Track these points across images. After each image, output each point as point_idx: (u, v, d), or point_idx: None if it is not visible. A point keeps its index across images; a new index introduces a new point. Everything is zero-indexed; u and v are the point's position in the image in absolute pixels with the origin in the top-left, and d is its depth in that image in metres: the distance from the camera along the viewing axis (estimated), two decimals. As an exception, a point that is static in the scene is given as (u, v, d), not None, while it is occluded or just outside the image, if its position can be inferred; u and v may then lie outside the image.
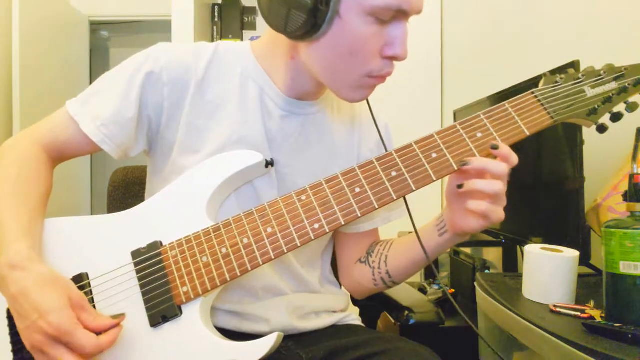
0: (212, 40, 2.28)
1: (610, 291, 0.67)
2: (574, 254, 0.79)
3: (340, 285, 0.92)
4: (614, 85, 0.69)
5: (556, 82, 0.70)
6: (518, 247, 1.32)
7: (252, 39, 0.82)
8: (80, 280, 0.66)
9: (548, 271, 0.79)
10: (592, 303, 0.76)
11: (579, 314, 0.71)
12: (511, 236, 1.26)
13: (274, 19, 0.65)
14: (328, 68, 0.68)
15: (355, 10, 0.62)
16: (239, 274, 0.65)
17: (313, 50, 0.67)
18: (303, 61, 0.71)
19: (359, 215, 0.65)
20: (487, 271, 1.34)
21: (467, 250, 1.54)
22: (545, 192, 1.10)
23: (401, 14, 0.63)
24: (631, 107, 0.69)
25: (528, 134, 0.67)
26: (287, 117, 0.76)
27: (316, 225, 0.65)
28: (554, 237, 1.02)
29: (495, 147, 0.64)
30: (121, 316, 0.62)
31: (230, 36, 2.34)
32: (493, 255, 1.69)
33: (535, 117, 0.67)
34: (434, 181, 0.66)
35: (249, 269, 0.65)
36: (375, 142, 0.84)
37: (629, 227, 0.64)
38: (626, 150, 0.97)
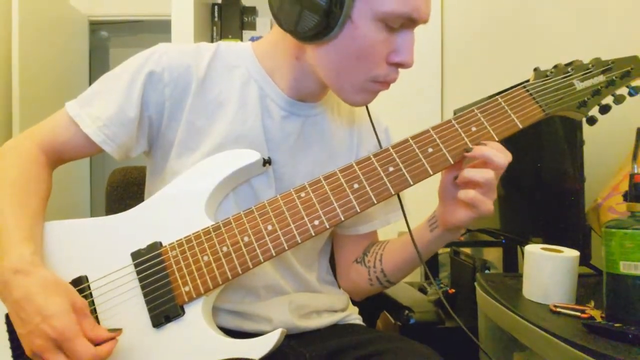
0: (212, 40, 2.28)
1: (610, 291, 0.66)
2: (574, 254, 0.79)
3: (339, 286, 0.92)
4: (602, 78, 0.71)
5: (546, 75, 0.72)
6: (518, 247, 1.32)
7: (252, 39, 0.82)
8: (80, 283, 0.66)
9: (548, 271, 0.79)
10: (592, 303, 0.76)
11: (579, 314, 0.71)
12: (511, 236, 1.26)
13: (285, 18, 0.65)
14: (335, 70, 0.68)
15: (367, 16, 0.62)
16: (240, 272, 0.65)
17: (321, 52, 0.67)
18: (309, 62, 0.71)
19: (359, 210, 0.66)
20: (487, 271, 1.34)
21: (467, 250, 1.54)
22: (545, 192, 1.10)
23: (410, 22, 0.65)
24: (618, 99, 0.71)
25: (521, 126, 0.68)
26: (287, 117, 0.76)
27: (316, 222, 0.65)
28: (554, 237, 1.02)
29: (468, 150, 0.65)
30: (118, 331, 0.62)
31: (230, 36, 2.34)
32: (493, 255, 1.69)
33: (527, 110, 0.69)
34: (431, 175, 0.67)
35: (251, 266, 0.65)
36: (374, 145, 0.84)
37: (629, 227, 0.64)
38: (626, 150, 0.97)
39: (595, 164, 1.04)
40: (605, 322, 0.66)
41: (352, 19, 0.63)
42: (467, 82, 1.94)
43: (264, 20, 2.35)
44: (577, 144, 0.94)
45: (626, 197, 0.68)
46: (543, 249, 0.81)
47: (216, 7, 2.32)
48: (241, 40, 2.32)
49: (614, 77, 0.70)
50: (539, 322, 0.69)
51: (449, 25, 1.99)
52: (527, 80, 0.72)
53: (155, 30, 2.93)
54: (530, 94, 0.69)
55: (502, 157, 0.64)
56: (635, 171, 0.68)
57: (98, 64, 3.42)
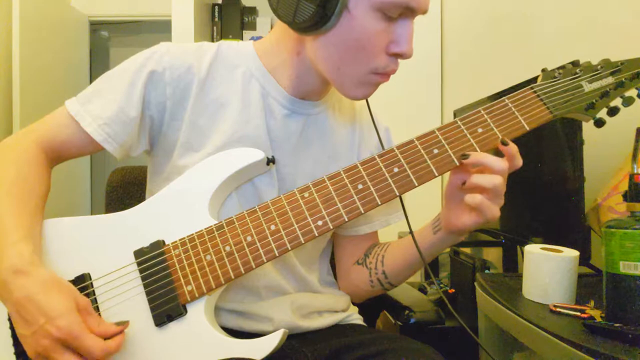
0: (212, 40, 2.28)
1: (610, 291, 0.67)
2: (574, 254, 0.79)
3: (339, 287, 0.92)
4: (610, 79, 0.70)
5: (554, 77, 0.71)
6: (518, 247, 1.32)
7: (252, 39, 0.82)
8: (83, 281, 0.66)
9: (548, 271, 0.79)
10: (592, 303, 0.76)
11: (579, 314, 0.72)
12: (511, 236, 1.26)
13: (283, 10, 0.65)
14: (334, 63, 0.68)
15: (364, 5, 0.62)
16: (243, 272, 0.65)
17: (319, 44, 0.67)
18: (309, 56, 0.71)
19: (362, 211, 0.65)
20: (487, 271, 1.34)
21: (467, 250, 1.55)
22: (545, 192, 1.10)
23: (408, 12, 0.64)
24: (627, 101, 0.70)
25: (528, 128, 0.67)
26: (289, 116, 0.76)
27: (320, 222, 0.65)
28: (554, 237, 1.02)
29: (505, 143, 0.65)
30: (125, 323, 0.62)
31: (230, 36, 2.34)
32: (493, 255, 1.69)
33: (534, 112, 0.68)
34: (436, 176, 0.67)
35: (253, 266, 0.65)
36: (375, 144, 0.85)
37: (629, 227, 0.65)
38: (626, 150, 0.97)
39: (595, 164, 1.04)
40: (605, 322, 0.66)
41: (349, 9, 0.62)
42: (467, 82, 1.95)
43: (264, 20, 2.35)
44: (577, 144, 0.94)
45: (626, 197, 0.68)
46: (543, 249, 0.81)
47: (216, 7, 2.33)
48: (241, 40, 2.32)
49: (623, 79, 0.69)
50: (538, 322, 0.69)
51: (449, 25, 2.00)
52: (535, 80, 0.72)
53: (156, 30, 2.93)
54: (538, 96, 0.69)
55: (498, 162, 0.63)
56: (635, 171, 0.68)
57: (98, 64, 3.42)
